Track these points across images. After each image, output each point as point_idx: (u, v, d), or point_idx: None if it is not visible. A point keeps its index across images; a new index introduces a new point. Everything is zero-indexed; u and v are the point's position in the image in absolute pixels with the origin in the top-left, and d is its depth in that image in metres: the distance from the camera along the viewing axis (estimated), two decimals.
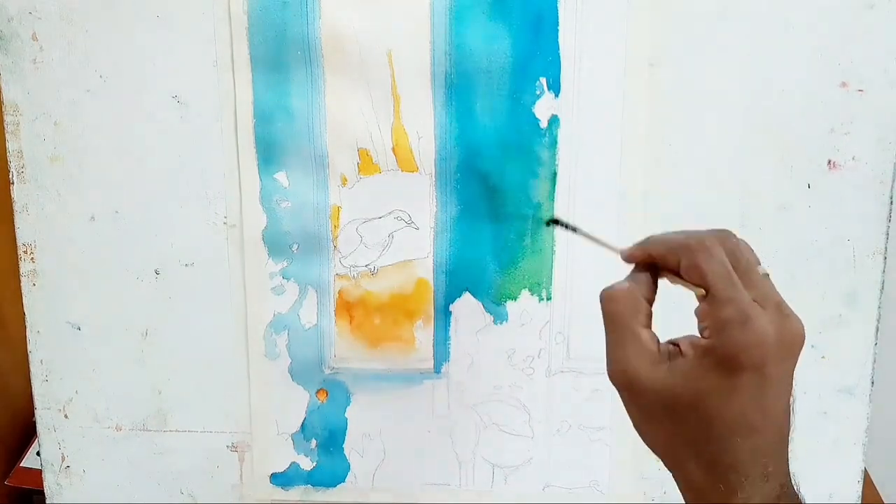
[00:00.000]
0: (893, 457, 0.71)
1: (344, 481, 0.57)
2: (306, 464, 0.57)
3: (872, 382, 0.55)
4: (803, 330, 0.34)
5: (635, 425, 0.36)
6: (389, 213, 0.53)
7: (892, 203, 0.52)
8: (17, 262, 0.54)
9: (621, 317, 0.35)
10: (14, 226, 0.54)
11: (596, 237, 0.39)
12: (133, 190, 0.53)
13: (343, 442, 0.56)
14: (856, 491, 0.56)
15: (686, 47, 0.51)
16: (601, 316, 0.36)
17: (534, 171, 0.52)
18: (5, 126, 0.53)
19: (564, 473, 0.56)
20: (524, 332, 0.54)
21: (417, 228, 0.53)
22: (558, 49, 0.50)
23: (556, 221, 0.46)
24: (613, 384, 0.35)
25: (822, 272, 0.53)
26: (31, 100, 0.52)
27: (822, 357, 0.54)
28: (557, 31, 0.50)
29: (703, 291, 0.34)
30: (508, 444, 0.56)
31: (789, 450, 0.35)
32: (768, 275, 0.35)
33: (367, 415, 0.56)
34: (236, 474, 0.57)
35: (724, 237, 0.35)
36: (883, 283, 0.53)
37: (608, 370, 0.35)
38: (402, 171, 0.52)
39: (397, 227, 0.53)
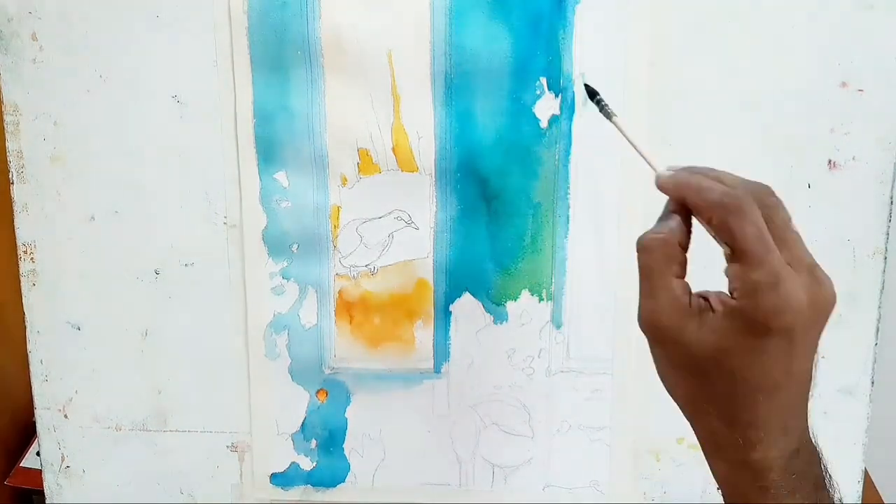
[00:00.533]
0: (893, 457, 0.71)
1: (344, 481, 0.57)
2: (306, 464, 0.57)
3: (872, 382, 0.55)
4: (835, 295, 0.34)
5: (659, 372, 0.36)
6: (389, 213, 0.53)
7: (892, 203, 0.52)
8: (17, 262, 0.55)
9: (654, 267, 0.35)
10: (14, 226, 0.54)
11: (632, 139, 0.37)
12: (133, 190, 0.53)
13: (343, 442, 0.56)
14: (856, 491, 0.56)
15: (686, 47, 0.51)
16: (637, 265, 0.35)
17: (534, 171, 0.52)
18: (5, 126, 0.53)
19: (564, 473, 0.56)
20: (524, 332, 0.54)
21: (417, 228, 0.53)
22: (558, 49, 0.50)
23: (594, 95, 0.43)
24: (643, 332, 0.35)
25: None
26: (31, 100, 0.52)
27: (822, 357, 0.54)
28: (557, 31, 0.50)
29: (729, 250, 0.33)
30: (508, 444, 0.56)
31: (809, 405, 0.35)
32: (799, 234, 0.34)
33: (367, 415, 0.56)
34: (236, 474, 0.57)
35: (762, 195, 0.34)
36: (883, 283, 0.53)
37: (638, 319, 0.35)
38: (402, 171, 0.52)
39: (397, 227, 0.53)
